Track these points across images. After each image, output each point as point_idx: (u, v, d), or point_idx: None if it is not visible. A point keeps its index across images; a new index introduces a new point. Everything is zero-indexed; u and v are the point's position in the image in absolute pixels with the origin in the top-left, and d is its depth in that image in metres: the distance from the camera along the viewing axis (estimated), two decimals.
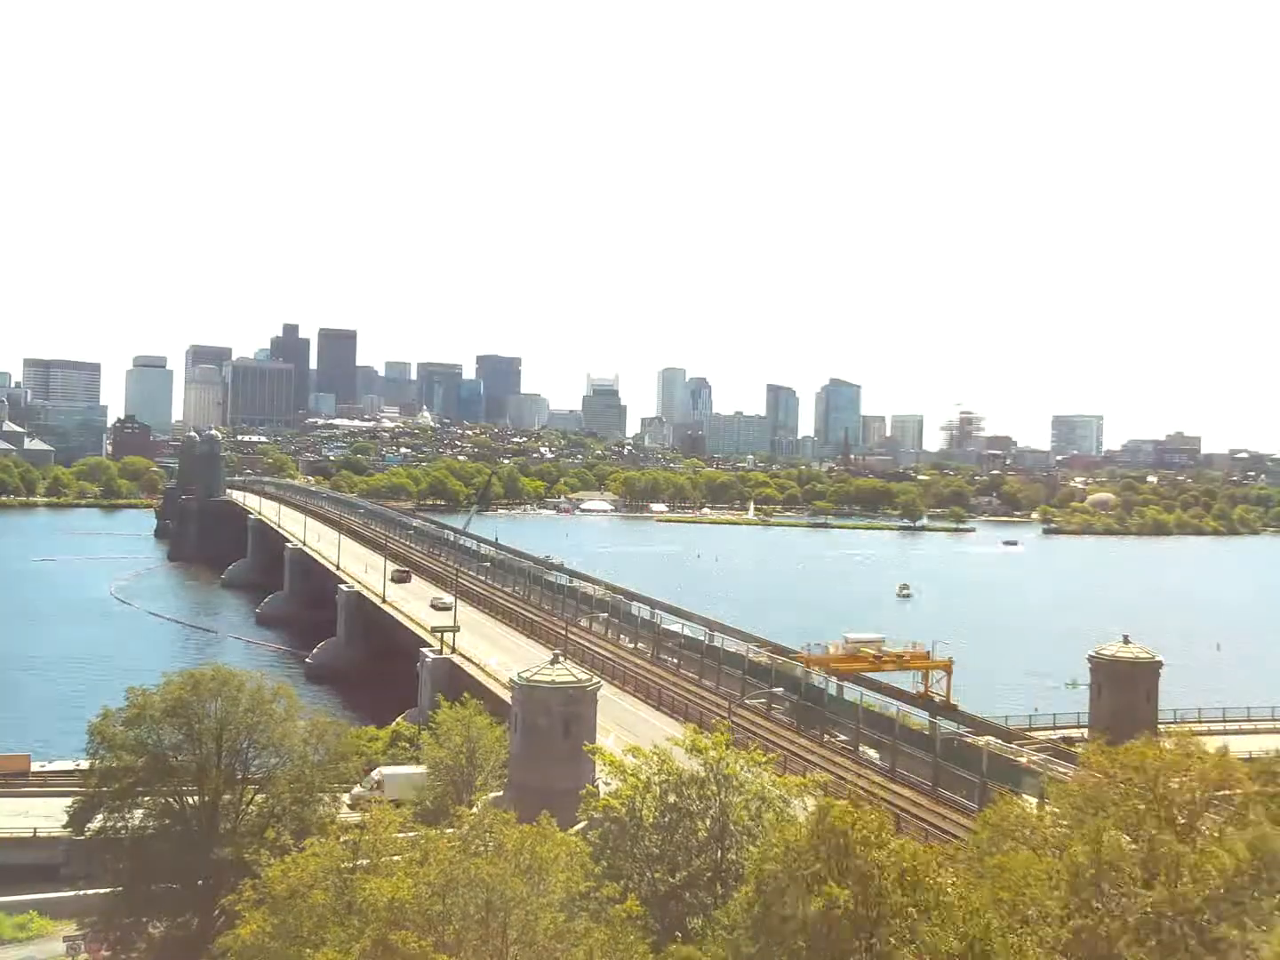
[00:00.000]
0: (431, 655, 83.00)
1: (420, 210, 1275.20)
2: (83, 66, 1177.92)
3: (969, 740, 53.16)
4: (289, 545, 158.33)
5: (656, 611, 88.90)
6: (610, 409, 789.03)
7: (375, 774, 63.33)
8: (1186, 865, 24.08)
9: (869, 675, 70.90)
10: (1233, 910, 23.59)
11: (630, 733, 57.63)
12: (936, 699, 69.10)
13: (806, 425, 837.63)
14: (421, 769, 59.64)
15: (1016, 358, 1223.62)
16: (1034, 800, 38.95)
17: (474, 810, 37.78)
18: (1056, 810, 30.50)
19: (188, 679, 46.64)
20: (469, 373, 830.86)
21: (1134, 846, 25.45)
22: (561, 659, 53.62)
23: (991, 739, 53.20)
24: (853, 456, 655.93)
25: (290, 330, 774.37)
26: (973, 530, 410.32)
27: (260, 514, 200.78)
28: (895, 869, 22.64)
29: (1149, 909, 23.50)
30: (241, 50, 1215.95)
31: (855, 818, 23.81)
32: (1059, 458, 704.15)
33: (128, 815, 44.72)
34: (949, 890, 22.90)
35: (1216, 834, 26.45)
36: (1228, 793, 28.88)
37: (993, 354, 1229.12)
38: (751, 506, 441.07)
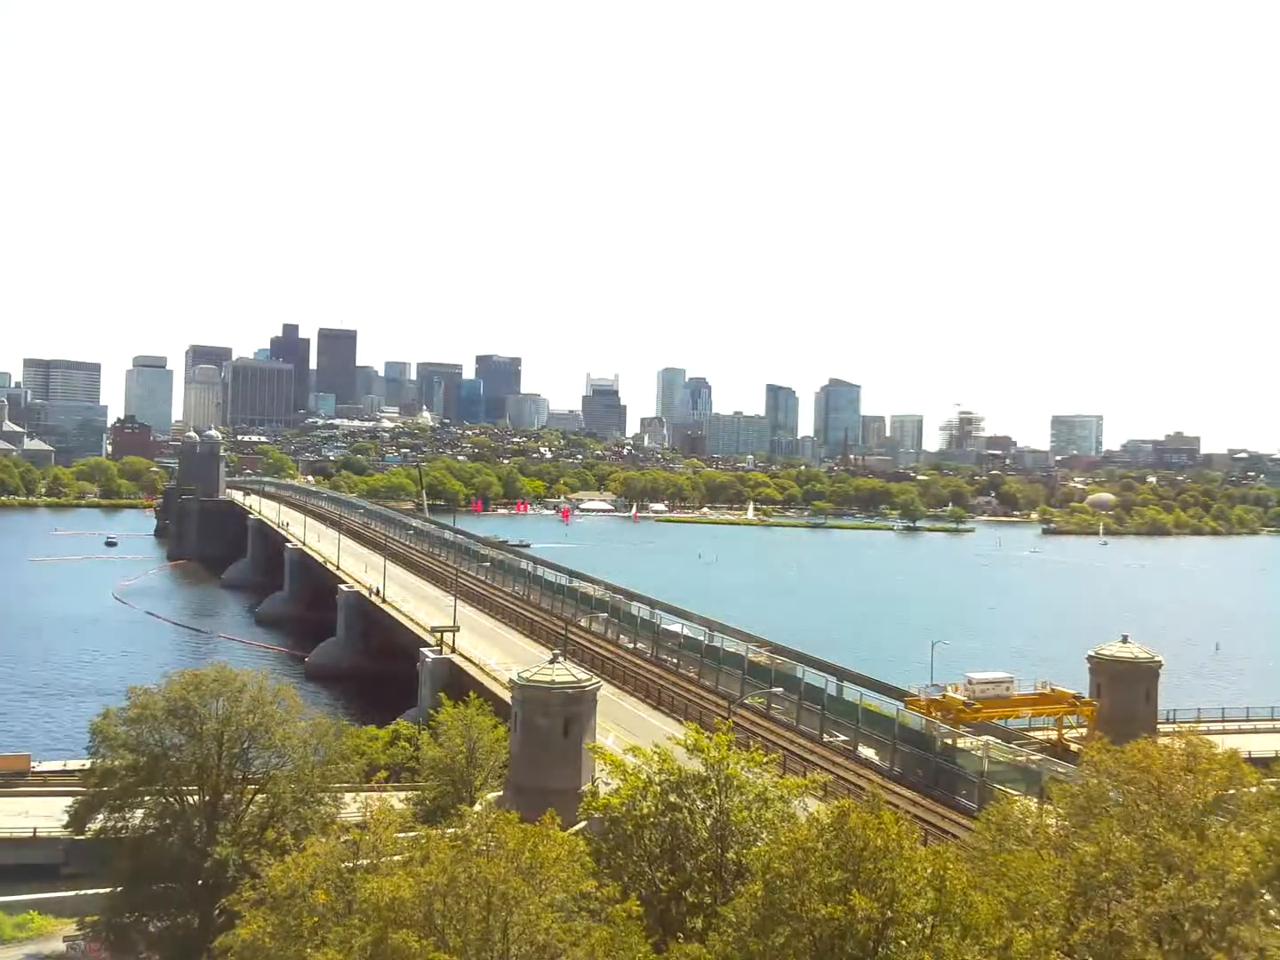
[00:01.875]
0: (431, 655, 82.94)
1: (419, 211, 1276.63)
2: (84, 67, 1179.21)
3: (969, 740, 53.11)
4: (289, 545, 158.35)
5: (656, 611, 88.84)
6: (610, 409, 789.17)
7: None
8: (1203, 865, 23.91)
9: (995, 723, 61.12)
10: (1246, 910, 23.49)
11: (630, 732, 57.58)
12: (1073, 749, 58.86)
13: (806, 425, 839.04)
14: None
15: (1016, 358, 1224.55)
16: (1034, 800, 38.92)
17: (477, 808, 37.75)
18: (1061, 810, 30.42)
19: (190, 679, 46.73)
20: (469, 373, 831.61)
21: (1138, 847, 25.35)
22: (561, 659, 53.51)
23: (991, 739, 53.10)
24: (852, 457, 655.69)
25: (290, 330, 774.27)
26: (971, 530, 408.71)
27: (260, 514, 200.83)
28: (920, 878, 22.37)
29: (1159, 909, 23.37)
30: (242, 51, 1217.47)
31: (876, 825, 23.61)
32: (1058, 458, 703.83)
33: (128, 815, 44.79)
34: (976, 901, 22.54)
35: (1224, 835, 26.29)
36: (1233, 792, 28.80)
37: (993, 354, 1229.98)
38: (751, 507, 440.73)
